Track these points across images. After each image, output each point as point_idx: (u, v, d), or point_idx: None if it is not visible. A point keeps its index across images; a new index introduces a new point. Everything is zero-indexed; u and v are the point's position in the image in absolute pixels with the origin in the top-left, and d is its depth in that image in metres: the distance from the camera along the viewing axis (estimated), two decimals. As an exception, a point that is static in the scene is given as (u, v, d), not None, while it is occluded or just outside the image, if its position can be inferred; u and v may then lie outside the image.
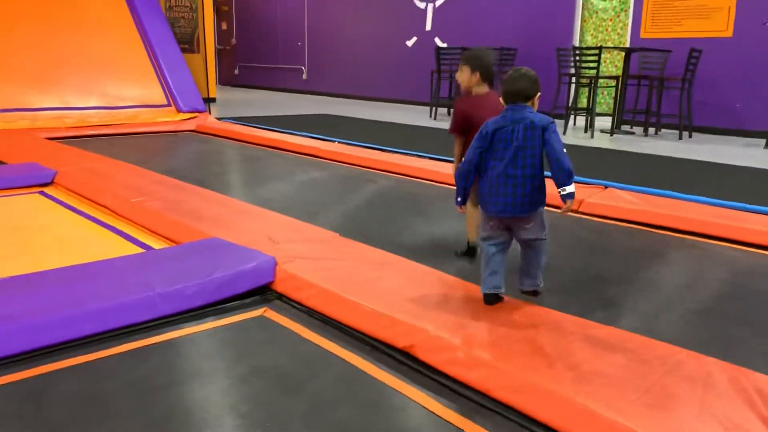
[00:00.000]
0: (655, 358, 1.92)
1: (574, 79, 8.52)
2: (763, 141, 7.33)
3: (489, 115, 2.43)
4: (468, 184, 2.36)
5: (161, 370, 2.00)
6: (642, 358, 1.92)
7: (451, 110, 2.94)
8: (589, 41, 9.87)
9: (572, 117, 8.57)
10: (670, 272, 2.99)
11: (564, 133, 7.90)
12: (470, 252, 3.08)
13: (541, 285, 2.44)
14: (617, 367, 1.87)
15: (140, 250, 3.11)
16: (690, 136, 7.95)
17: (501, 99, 2.36)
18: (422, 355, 2.02)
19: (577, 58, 8.13)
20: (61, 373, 1.96)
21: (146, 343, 2.17)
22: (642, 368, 1.86)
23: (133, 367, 2.02)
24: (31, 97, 7.55)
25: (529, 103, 2.31)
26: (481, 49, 3.08)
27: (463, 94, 3.05)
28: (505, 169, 2.24)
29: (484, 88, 2.96)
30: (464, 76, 2.93)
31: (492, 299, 2.33)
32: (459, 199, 2.41)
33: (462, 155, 2.74)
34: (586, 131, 7.99)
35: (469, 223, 3.06)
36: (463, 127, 2.90)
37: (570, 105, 8.45)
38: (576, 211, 3.95)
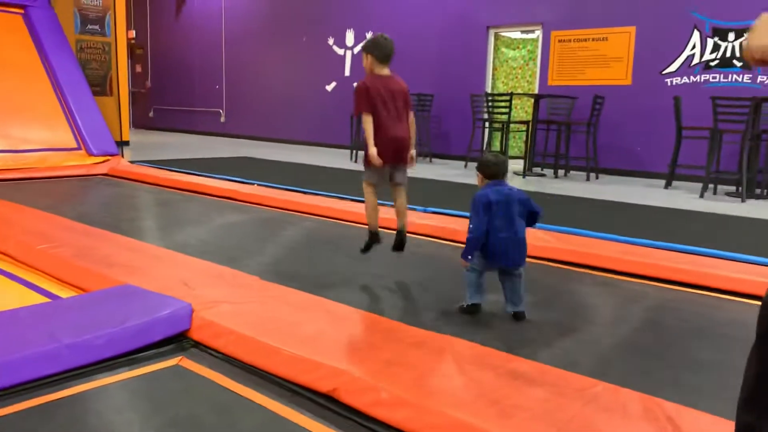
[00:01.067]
0: (573, 391, 1.97)
1: (487, 124, 8.86)
2: (663, 182, 7.83)
3: (389, 91, 3.26)
4: (479, 246, 2.78)
5: (69, 428, 1.87)
6: (561, 391, 1.97)
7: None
8: (501, 88, 10.33)
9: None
10: (585, 307, 3.10)
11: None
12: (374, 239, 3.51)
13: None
14: (538, 400, 1.90)
15: (46, 300, 2.93)
16: (597, 177, 8.38)
17: (481, 177, 2.89)
18: (346, 398, 1.99)
19: (490, 103, 8.48)
20: (-47, 436, 1.80)
21: (52, 398, 2.03)
22: (561, 401, 1.90)
23: (38, 424, 1.87)
24: (-75, 139, 7.09)
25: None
26: (377, 35, 3.49)
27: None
28: (516, 235, 2.78)
29: (385, 70, 3.41)
30: (365, 62, 3.42)
31: (478, 309, 2.85)
32: (470, 257, 2.80)
33: (373, 132, 3.27)
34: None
35: (367, 209, 3.48)
36: (368, 102, 3.25)
37: (484, 148, 8.74)
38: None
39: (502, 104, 8.49)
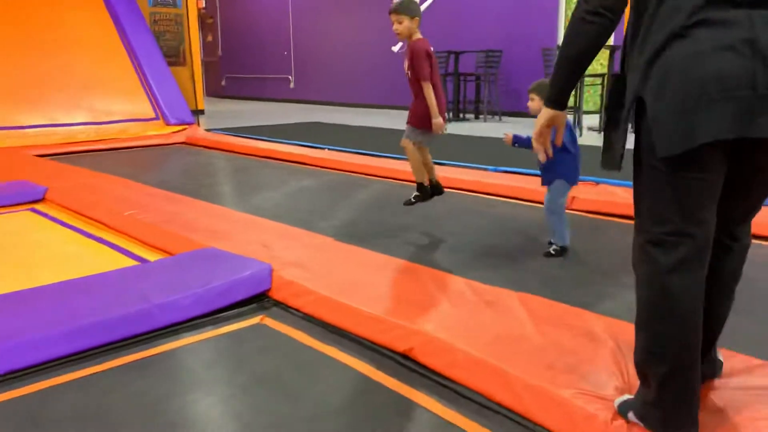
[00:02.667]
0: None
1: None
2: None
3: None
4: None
5: (162, 382, 1.99)
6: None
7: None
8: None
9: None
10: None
11: (581, 134, 7.93)
12: (434, 191, 3.62)
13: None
14: (615, 362, 1.87)
15: (135, 263, 3.10)
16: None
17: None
18: (422, 359, 2.02)
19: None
20: (60, 389, 1.95)
21: (145, 355, 2.16)
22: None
23: (134, 379, 2.01)
24: (19, 115, 7.51)
25: None
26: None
27: (409, 40, 3.33)
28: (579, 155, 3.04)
29: (419, 33, 3.33)
30: (405, 25, 3.27)
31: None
32: (516, 145, 3.06)
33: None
34: (600, 132, 8.04)
35: (415, 167, 3.48)
36: (430, 68, 3.22)
37: (577, 105, 8.50)
38: (568, 208, 3.96)
39: (575, 58, 8.19)
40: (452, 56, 9.74)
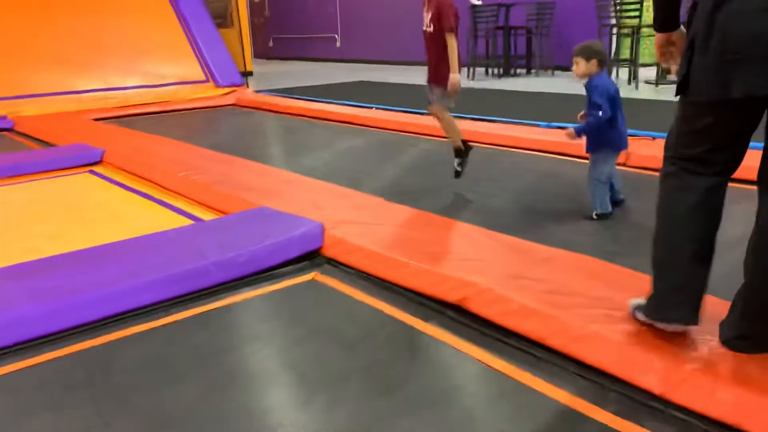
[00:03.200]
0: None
1: (615, 30, 8.27)
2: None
3: None
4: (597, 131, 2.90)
5: (221, 334, 2.07)
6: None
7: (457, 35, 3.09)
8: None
9: (615, 69, 8.33)
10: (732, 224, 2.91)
11: (607, 86, 7.69)
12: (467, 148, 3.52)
13: None
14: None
15: (191, 222, 3.19)
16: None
17: (597, 64, 2.85)
18: (475, 309, 2.03)
19: (618, 7, 7.87)
20: (127, 341, 2.04)
21: (204, 309, 2.24)
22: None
23: (195, 332, 2.09)
24: (77, 80, 7.73)
25: None
26: None
27: None
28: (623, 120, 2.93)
29: None
30: None
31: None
32: (579, 136, 2.94)
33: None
34: (630, 83, 7.76)
35: (451, 129, 3.36)
36: (457, 20, 3.07)
37: (612, 57, 8.21)
38: (624, 164, 3.86)
39: (632, 7, 7.84)
40: (502, 9, 9.47)
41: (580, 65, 2.89)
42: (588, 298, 1.98)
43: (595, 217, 2.96)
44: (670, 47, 1.82)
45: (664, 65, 1.93)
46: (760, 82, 1.46)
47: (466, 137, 3.57)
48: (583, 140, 3.00)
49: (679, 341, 1.71)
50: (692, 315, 1.69)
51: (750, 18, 1.44)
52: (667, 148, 1.74)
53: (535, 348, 1.84)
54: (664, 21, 1.78)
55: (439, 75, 3.15)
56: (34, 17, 7.76)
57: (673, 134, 1.73)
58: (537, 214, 3.13)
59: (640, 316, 1.79)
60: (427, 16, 3.14)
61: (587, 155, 3.02)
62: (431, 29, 3.13)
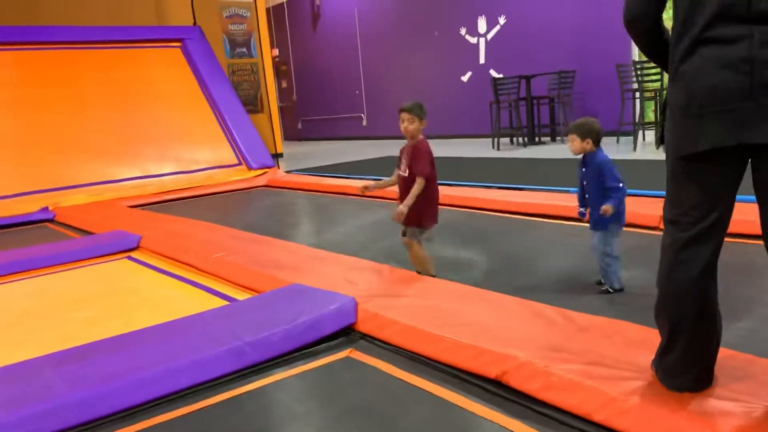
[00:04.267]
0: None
1: (638, 94, 8.34)
2: None
3: None
4: None
5: (258, 417, 2.03)
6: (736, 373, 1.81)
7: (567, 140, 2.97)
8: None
9: (641, 132, 8.35)
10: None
11: (634, 149, 7.69)
12: None
13: None
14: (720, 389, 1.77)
15: (225, 303, 3.20)
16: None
17: (592, 143, 2.83)
18: (515, 383, 1.97)
19: (639, 72, 7.97)
20: (163, 427, 2.02)
21: (240, 392, 2.22)
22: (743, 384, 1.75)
23: (230, 415, 2.06)
24: (114, 169, 8.02)
25: None
26: (416, 102, 3.25)
27: (413, 141, 3.21)
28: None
29: (421, 135, 3.23)
30: (413, 125, 3.17)
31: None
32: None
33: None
34: (657, 147, 7.75)
35: (419, 263, 3.23)
36: (432, 166, 3.13)
37: (637, 121, 8.24)
38: (656, 228, 3.80)
39: (653, 71, 7.94)
40: (523, 81, 9.67)
41: (575, 143, 2.86)
42: (631, 367, 1.91)
43: (611, 291, 2.87)
44: None
45: None
46: (723, 133, 1.52)
47: (493, 207, 3.54)
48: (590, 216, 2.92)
49: (724, 409, 1.63)
50: (704, 379, 1.72)
51: (709, 74, 1.52)
52: (664, 210, 1.76)
53: (581, 422, 1.77)
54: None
55: (410, 216, 3.12)
56: (73, 112, 8.16)
57: (666, 197, 1.75)
58: (570, 281, 3.08)
59: (654, 369, 1.82)
60: (404, 163, 3.22)
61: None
62: (406, 174, 3.19)
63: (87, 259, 4.48)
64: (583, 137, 2.83)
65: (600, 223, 2.85)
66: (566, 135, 2.89)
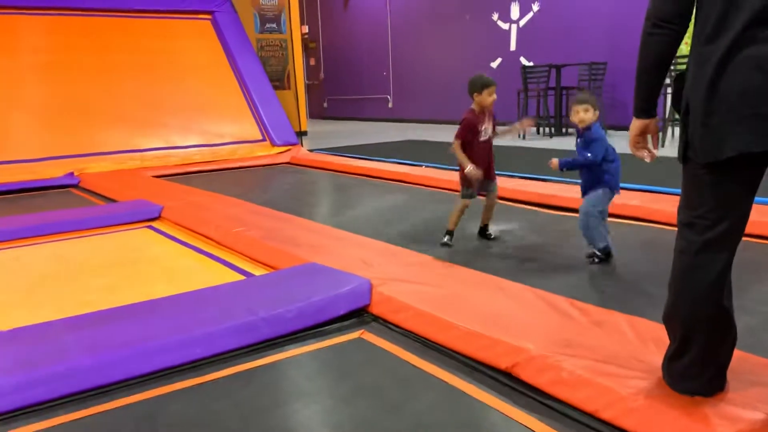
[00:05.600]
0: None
1: (668, 90, 8.19)
2: None
3: None
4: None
5: (267, 391, 2.05)
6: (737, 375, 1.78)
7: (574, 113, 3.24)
8: (684, 49, 9.46)
9: (670, 129, 8.21)
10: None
11: (662, 145, 7.56)
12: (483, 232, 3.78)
13: None
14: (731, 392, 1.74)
15: (242, 277, 3.23)
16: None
17: (594, 112, 3.13)
18: (525, 376, 1.96)
19: (672, 67, 7.82)
20: (173, 395, 2.05)
21: (251, 366, 2.24)
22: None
23: (240, 388, 2.08)
24: (139, 139, 8.09)
25: None
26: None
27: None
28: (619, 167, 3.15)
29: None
30: (488, 99, 3.53)
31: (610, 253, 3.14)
32: (564, 170, 3.17)
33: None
34: (681, 160, 7.61)
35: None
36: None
37: (667, 116, 8.10)
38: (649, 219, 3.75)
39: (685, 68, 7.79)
40: (553, 70, 9.54)
41: (589, 113, 3.12)
42: (643, 365, 1.89)
43: (596, 260, 3.12)
44: (646, 136, 1.82)
45: (638, 154, 1.86)
46: (752, 139, 1.48)
47: (523, 197, 3.57)
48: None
49: (736, 414, 1.61)
50: (716, 386, 1.70)
51: (738, 77, 1.48)
52: (679, 212, 1.72)
53: (588, 418, 1.76)
54: (648, 106, 1.77)
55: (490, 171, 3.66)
56: (101, 79, 8.21)
57: (682, 199, 1.71)
58: (590, 273, 3.05)
59: (665, 373, 1.78)
60: (487, 127, 3.58)
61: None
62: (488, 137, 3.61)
63: (109, 226, 4.54)
64: (596, 108, 3.14)
65: (587, 188, 3.16)
66: (577, 105, 3.06)
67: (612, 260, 3.16)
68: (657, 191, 4.54)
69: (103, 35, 8.57)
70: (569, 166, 3.14)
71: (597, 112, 3.13)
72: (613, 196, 3.16)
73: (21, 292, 3.16)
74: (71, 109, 7.84)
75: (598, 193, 3.12)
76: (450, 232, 3.66)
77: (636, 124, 1.80)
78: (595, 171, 3.10)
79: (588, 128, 3.11)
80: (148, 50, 8.76)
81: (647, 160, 1.89)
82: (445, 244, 3.61)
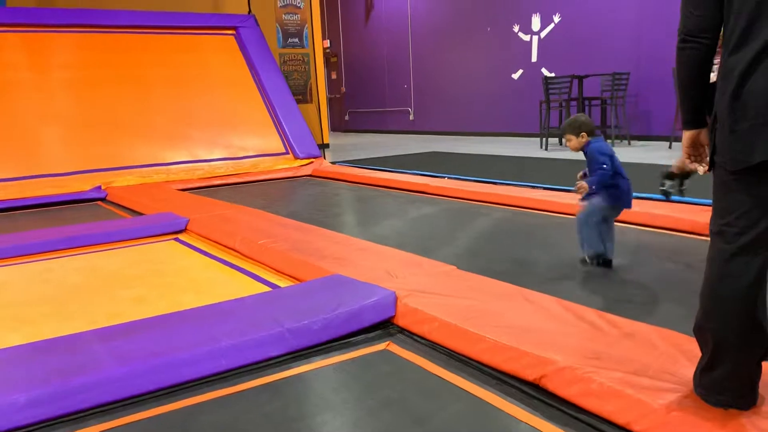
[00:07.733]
0: None
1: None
2: None
3: None
4: (606, 183, 3.20)
5: (294, 403, 2.06)
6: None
7: (564, 140, 3.19)
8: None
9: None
10: None
11: (687, 155, 7.47)
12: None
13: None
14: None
15: (268, 289, 3.25)
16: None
17: (587, 135, 3.17)
18: (553, 388, 1.95)
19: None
20: (204, 406, 2.07)
21: (278, 377, 2.25)
22: (802, 400, 1.70)
23: (268, 400, 2.09)
24: (165, 152, 8.21)
25: None
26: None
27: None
28: (629, 182, 3.22)
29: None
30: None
31: (604, 258, 3.21)
32: (593, 188, 3.17)
33: None
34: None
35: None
36: None
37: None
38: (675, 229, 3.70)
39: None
40: (575, 81, 9.51)
41: (572, 141, 3.18)
42: (675, 378, 1.86)
43: (588, 260, 3.19)
44: (699, 147, 1.80)
45: (691, 167, 1.85)
46: None
47: (541, 207, 3.53)
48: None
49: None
50: (749, 398, 1.68)
51: (762, 82, 1.48)
52: (711, 220, 1.70)
53: (620, 430, 1.74)
54: (695, 116, 1.75)
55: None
56: (128, 94, 8.37)
57: (713, 207, 1.69)
58: (620, 285, 3.02)
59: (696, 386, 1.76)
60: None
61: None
62: None
63: (136, 238, 4.61)
64: (577, 134, 3.14)
65: (585, 197, 3.22)
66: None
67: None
68: (693, 203, 4.48)
69: (130, 51, 8.74)
70: (595, 183, 3.16)
71: (583, 133, 3.16)
72: (614, 211, 3.23)
73: (53, 304, 3.22)
74: (99, 124, 7.99)
75: (598, 199, 3.17)
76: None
77: (686, 135, 1.80)
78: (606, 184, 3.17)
79: (584, 150, 3.20)
80: (173, 66, 8.91)
81: (700, 172, 1.88)
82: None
